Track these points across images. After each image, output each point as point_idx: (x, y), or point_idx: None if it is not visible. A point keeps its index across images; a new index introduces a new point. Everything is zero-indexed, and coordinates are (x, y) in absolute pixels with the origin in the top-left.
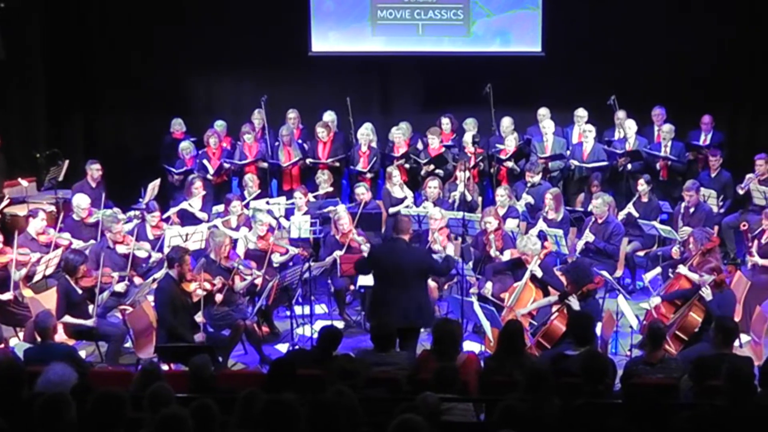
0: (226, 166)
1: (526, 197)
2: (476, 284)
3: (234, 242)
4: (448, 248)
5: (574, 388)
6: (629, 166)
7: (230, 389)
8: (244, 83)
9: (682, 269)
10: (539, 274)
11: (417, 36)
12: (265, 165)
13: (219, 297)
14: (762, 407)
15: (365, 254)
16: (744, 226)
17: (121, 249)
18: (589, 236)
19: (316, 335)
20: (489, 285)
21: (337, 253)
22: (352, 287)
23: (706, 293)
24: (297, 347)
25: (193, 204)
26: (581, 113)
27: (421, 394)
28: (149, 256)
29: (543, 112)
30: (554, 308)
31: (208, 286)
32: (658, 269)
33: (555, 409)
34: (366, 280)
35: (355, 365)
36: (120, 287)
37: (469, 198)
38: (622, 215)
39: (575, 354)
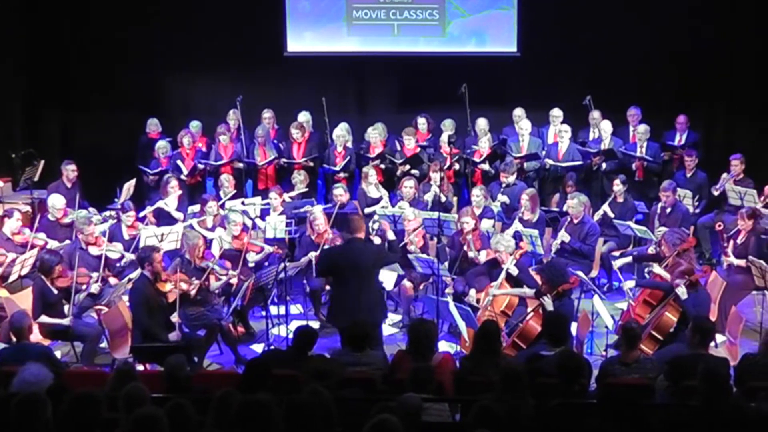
0: (200, 167)
1: (502, 197)
2: (452, 284)
3: (209, 242)
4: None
5: (550, 388)
6: (603, 166)
7: (205, 389)
8: (220, 83)
9: (656, 268)
10: (515, 272)
11: (392, 36)
12: (240, 165)
13: (193, 292)
14: (737, 408)
15: (322, 258)
16: (719, 226)
17: (93, 250)
18: (564, 236)
19: (291, 335)
20: (473, 293)
21: (312, 254)
22: (327, 287)
23: (682, 292)
24: (272, 347)
25: (169, 203)
26: (556, 113)
27: (403, 395)
28: (122, 257)
29: (519, 112)
30: (529, 308)
31: (184, 286)
32: (629, 258)
33: (530, 409)
34: None
35: (330, 365)
36: (94, 288)
37: (443, 199)
38: (597, 215)
39: (550, 354)
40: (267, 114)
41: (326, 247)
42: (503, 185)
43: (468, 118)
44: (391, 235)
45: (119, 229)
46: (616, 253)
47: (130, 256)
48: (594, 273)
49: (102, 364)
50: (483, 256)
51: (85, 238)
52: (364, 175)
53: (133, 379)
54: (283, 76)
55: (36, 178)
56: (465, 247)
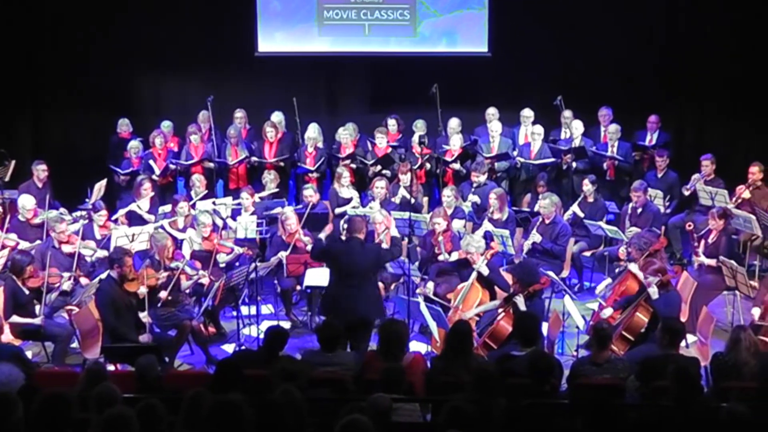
0: (172, 167)
1: (473, 197)
2: (422, 284)
3: (180, 243)
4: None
5: (521, 388)
6: (574, 165)
7: (177, 389)
8: (191, 83)
9: (632, 267)
10: (485, 272)
11: (363, 36)
12: (211, 165)
13: (163, 293)
14: (708, 408)
15: (323, 243)
16: (689, 225)
17: (66, 248)
18: (536, 236)
19: (262, 335)
20: (431, 285)
21: (283, 254)
22: (298, 287)
23: (653, 292)
24: (243, 347)
25: (142, 205)
26: (527, 113)
27: (372, 395)
28: (93, 254)
29: (492, 111)
30: (500, 309)
31: (153, 280)
32: (609, 280)
33: (501, 410)
34: (312, 280)
35: (298, 366)
36: (66, 286)
37: (412, 200)
38: (567, 215)
39: (521, 354)
40: (239, 114)
41: (324, 236)
42: (474, 185)
43: (439, 119)
44: (394, 231)
45: (91, 229)
46: (588, 253)
47: (102, 253)
48: (565, 273)
49: (73, 364)
50: (454, 258)
51: (57, 237)
52: (337, 176)
53: (104, 379)
54: (254, 76)
55: (7, 179)
56: (435, 249)
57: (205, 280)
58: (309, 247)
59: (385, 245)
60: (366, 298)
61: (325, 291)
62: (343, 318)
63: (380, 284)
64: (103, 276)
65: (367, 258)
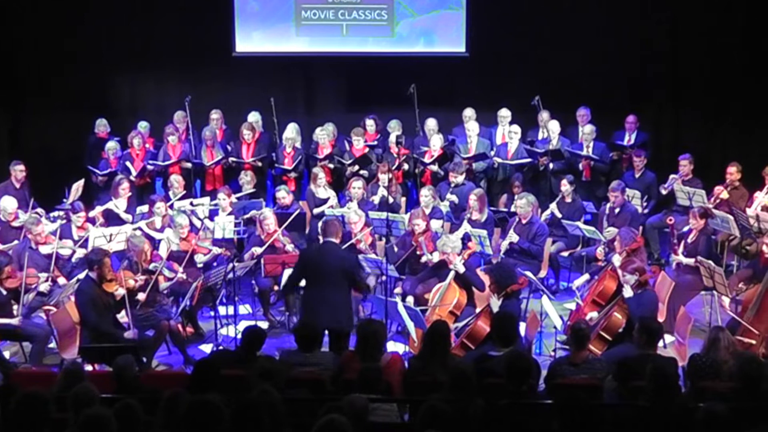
0: (150, 167)
1: (451, 197)
2: (400, 285)
3: (157, 243)
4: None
5: (498, 388)
6: (551, 166)
7: (154, 390)
8: (168, 83)
9: (616, 260)
10: (461, 270)
11: (341, 36)
12: (188, 165)
13: (142, 296)
14: (685, 407)
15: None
16: (671, 220)
17: (44, 249)
18: (513, 237)
19: (240, 336)
20: (410, 300)
21: (256, 249)
22: (276, 287)
23: (626, 291)
24: (221, 348)
25: (119, 205)
26: (505, 113)
27: (349, 395)
28: (73, 254)
29: (469, 113)
30: (478, 309)
31: (132, 282)
32: (587, 276)
33: (479, 410)
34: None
35: (276, 365)
36: (44, 287)
37: (390, 200)
38: (545, 216)
39: (499, 354)
40: (215, 115)
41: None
42: (452, 185)
43: (416, 119)
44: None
45: (69, 230)
46: (565, 254)
47: (81, 251)
48: (543, 273)
49: (51, 365)
50: (437, 258)
51: (34, 238)
52: (313, 176)
53: (82, 379)
54: (232, 76)
55: None
56: (417, 251)
57: (181, 275)
58: (288, 248)
59: (364, 245)
60: (340, 302)
61: (303, 296)
62: (314, 321)
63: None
64: (81, 276)
65: (339, 262)
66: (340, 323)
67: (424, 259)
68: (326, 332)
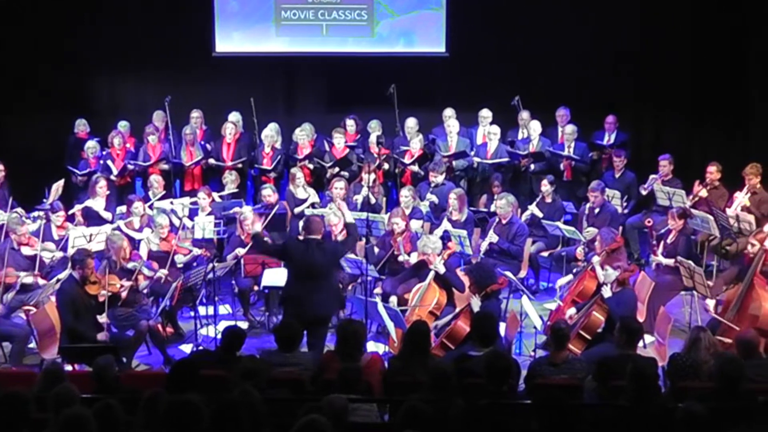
0: (130, 167)
1: (431, 197)
2: (380, 285)
3: (137, 243)
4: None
5: (478, 388)
6: (532, 167)
7: (134, 390)
8: (148, 83)
9: (596, 260)
10: (442, 270)
11: (321, 36)
12: (165, 167)
13: (123, 294)
14: (665, 408)
15: (281, 243)
16: (649, 222)
17: (26, 251)
18: (493, 237)
19: (219, 336)
20: (394, 300)
21: (240, 250)
22: (256, 287)
23: (605, 291)
24: (201, 348)
25: (97, 204)
26: (485, 114)
27: (328, 396)
28: (53, 256)
29: (448, 113)
30: (458, 308)
31: (117, 286)
32: (570, 276)
33: (459, 410)
34: (270, 280)
35: (259, 365)
36: (28, 279)
37: (372, 201)
38: (525, 216)
39: (479, 354)
40: (195, 114)
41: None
42: (432, 185)
43: (396, 119)
44: (349, 218)
45: (49, 230)
46: (545, 254)
47: (58, 254)
48: (522, 273)
49: (30, 365)
50: (414, 258)
51: (17, 239)
52: (291, 177)
53: (62, 379)
54: (212, 76)
55: None
56: (395, 251)
57: (161, 273)
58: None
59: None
60: (326, 294)
61: (284, 290)
62: (304, 316)
63: (338, 285)
64: (63, 276)
65: (325, 257)
66: (325, 310)
67: (401, 258)
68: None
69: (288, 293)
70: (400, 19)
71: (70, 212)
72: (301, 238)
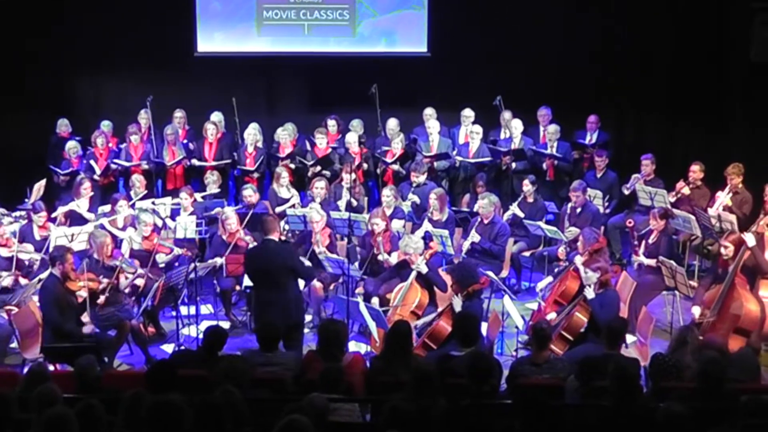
0: (113, 167)
1: (412, 197)
2: (362, 285)
3: (119, 242)
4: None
5: (460, 388)
6: (514, 165)
7: (116, 390)
8: (131, 83)
9: (578, 260)
10: (424, 270)
11: (303, 36)
12: (147, 167)
13: (102, 298)
14: (647, 408)
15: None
16: (630, 223)
17: (3, 252)
18: (475, 237)
19: (201, 336)
20: (375, 301)
21: (218, 260)
22: (237, 287)
23: (589, 292)
24: (183, 347)
25: (81, 205)
26: (468, 113)
27: (308, 395)
28: (31, 256)
29: (429, 112)
30: (440, 308)
31: (93, 284)
32: (550, 278)
33: (441, 410)
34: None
35: (240, 365)
36: (7, 282)
37: (354, 203)
38: (507, 216)
39: (461, 354)
40: (178, 114)
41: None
42: (414, 185)
43: (378, 119)
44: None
45: (30, 230)
46: (527, 253)
47: (38, 256)
48: (504, 273)
49: (12, 365)
50: (394, 258)
51: None
52: (276, 176)
53: (47, 379)
54: (194, 76)
55: None
56: (375, 250)
57: (140, 281)
58: (251, 246)
59: (321, 247)
60: (289, 299)
61: (254, 298)
62: (274, 321)
63: (319, 284)
64: (45, 275)
65: (279, 258)
66: (290, 318)
67: (380, 258)
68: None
69: (257, 301)
70: (382, 18)
71: (54, 215)
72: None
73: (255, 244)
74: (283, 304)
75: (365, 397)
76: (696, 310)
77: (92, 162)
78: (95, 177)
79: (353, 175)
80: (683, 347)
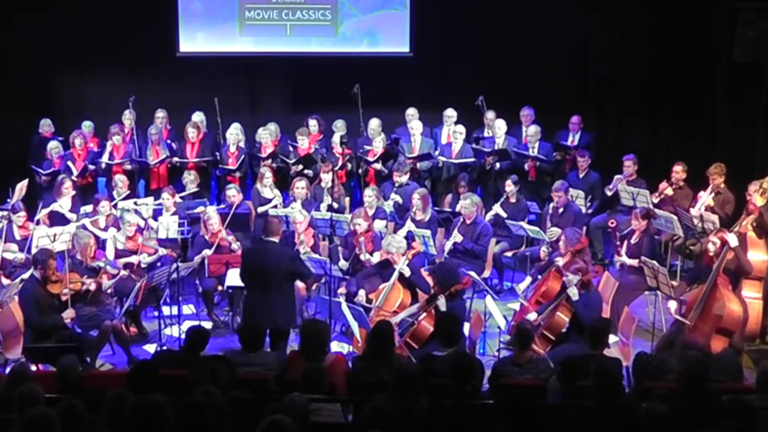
0: (91, 167)
1: (395, 197)
2: (344, 285)
3: (102, 242)
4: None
5: (442, 388)
6: (497, 165)
7: (98, 390)
8: (113, 83)
9: (560, 261)
10: (407, 273)
11: (285, 36)
12: (128, 167)
13: (88, 290)
14: (629, 408)
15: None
16: (612, 223)
17: None
18: (457, 237)
19: (183, 336)
20: (362, 293)
21: (206, 252)
22: (220, 287)
23: (573, 294)
24: (165, 348)
25: (63, 204)
26: (450, 113)
27: (288, 395)
28: (15, 256)
29: (411, 112)
30: (422, 309)
31: (77, 286)
32: (529, 279)
33: (423, 410)
34: (234, 280)
35: (222, 365)
36: None
37: (335, 205)
38: (489, 216)
39: (443, 354)
40: (160, 114)
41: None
42: (396, 185)
43: (361, 119)
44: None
45: (10, 230)
46: (509, 254)
47: (21, 256)
48: (486, 273)
49: None
50: (376, 258)
51: None
52: (259, 176)
53: (29, 379)
54: (176, 76)
55: None
56: (357, 250)
57: (123, 273)
58: (233, 246)
59: (305, 247)
60: (281, 303)
61: (245, 298)
62: (258, 322)
63: (302, 284)
64: (26, 275)
65: (279, 261)
66: (280, 323)
67: (362, 258)
68: (267, 332)
69: (247, 301)
70: (364, 18)
71: (36, 217)
72: (263, 239)
73: (238, 244)
74: (274, 308)
75: (347, 397)
76: (672, 305)
77: (69, 163)
78: (73, 178)
79: (331, 175)
80: (670, 349)
